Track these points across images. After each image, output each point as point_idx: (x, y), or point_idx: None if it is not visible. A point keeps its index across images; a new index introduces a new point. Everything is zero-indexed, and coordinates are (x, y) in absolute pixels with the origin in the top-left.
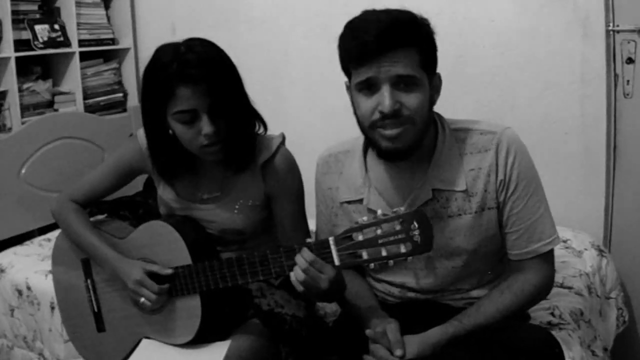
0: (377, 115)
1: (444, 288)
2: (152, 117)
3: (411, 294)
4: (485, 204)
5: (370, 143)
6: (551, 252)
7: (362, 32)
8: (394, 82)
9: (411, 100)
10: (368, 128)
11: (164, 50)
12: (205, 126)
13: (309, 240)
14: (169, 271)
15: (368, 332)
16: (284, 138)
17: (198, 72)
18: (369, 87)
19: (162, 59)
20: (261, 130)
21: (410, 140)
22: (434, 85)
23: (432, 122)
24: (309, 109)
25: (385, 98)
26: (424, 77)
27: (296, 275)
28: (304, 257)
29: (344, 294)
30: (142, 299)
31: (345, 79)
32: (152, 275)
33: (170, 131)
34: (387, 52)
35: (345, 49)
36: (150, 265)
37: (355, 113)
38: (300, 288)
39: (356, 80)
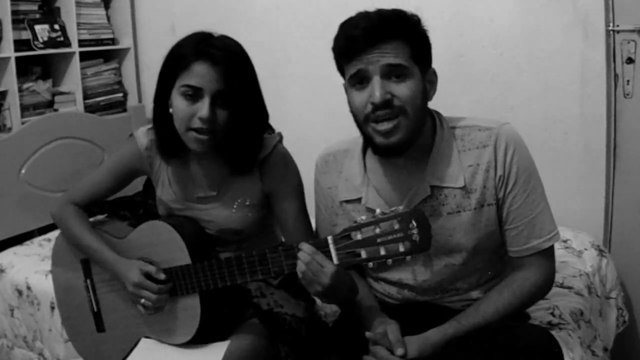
0: (369, 108)
1: (443, 287)
2: (163, 89)
3: (409, 294)
4: (485, 200)
5: (366, 140)
6: (551, 248)
7: (352, 28)
8: (385, 73)
9: (402, 90)
10: (363, 123)
11: (199, 33)
12: (203, 109)
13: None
14: (162, 276)
15: (368, 334)
16: (281, 137)
17: (219, 55)
18: (360, 80)
19: (193, 37)
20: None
21: (404, 134)
22: (428, 79)
23: (430, 119)
24: (309, 109)
25: (375, 89)
26: (415, 68)
27: (298, 268)
28: (304, 250)
29: (355, 298)
30: (143, 300)
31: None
32: (150, 275)
33: (170, 110)
34: (376, 44)
35: (337, 47)
36: (146, 266)
37: (352, 111)
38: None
39: (348, 75)
